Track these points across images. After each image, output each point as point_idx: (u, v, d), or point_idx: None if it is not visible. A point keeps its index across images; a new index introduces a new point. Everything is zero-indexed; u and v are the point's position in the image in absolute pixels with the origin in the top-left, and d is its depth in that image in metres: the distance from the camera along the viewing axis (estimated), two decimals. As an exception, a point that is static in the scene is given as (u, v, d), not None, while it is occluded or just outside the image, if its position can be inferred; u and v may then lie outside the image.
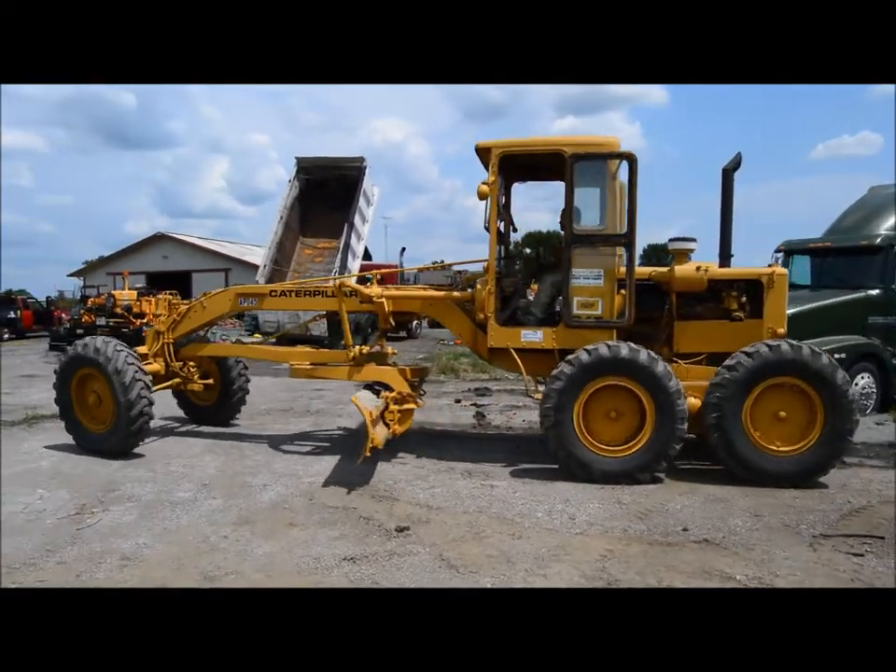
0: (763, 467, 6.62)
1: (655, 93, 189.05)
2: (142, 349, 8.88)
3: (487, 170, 7.47)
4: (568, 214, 7.17)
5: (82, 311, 24.68)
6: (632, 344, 6.76)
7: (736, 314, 7.48)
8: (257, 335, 22.40)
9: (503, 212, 8.47)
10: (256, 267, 19.18)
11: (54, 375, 8.36)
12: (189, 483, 6.87)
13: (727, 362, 6.72)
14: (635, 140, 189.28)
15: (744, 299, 7.53)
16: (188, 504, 6.22)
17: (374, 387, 8.11)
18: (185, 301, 9.13)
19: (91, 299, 26.30)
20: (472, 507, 6.11)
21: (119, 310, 22.37)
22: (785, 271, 7.54)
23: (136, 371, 7.87)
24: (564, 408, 6.77)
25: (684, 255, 7.59)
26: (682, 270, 7.45)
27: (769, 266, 7.74)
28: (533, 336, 7.46)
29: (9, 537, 5.39)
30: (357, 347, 8.17)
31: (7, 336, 28.86)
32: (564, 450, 6.82)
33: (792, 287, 11.98)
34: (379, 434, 6.77)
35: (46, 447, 8.39)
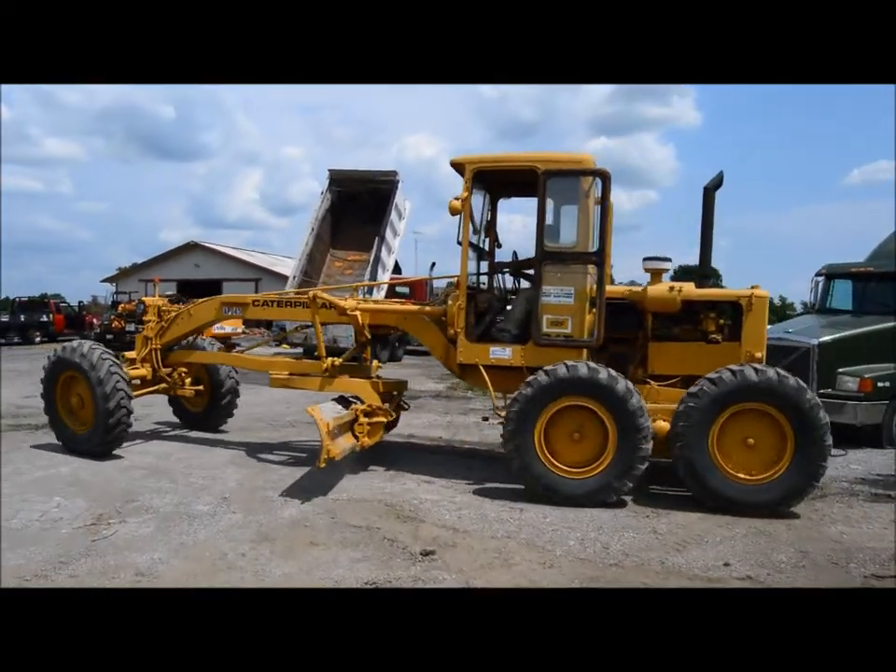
0: (731, 496, 6.41)
1: (689, 115, 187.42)
2: (130, 354, 9.14)
3: None
4: (539, 230, 7.06)
5: (112, 316, 24.85)
6: (592, 364, 6.61)
7: (713, 336, 7.33)
8: (285, 346, 22.31)
9: (488, 228, 8.39)
10: (286, 278, 19.15)
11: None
12: (208, 496, 6.69)
13: (691, 389, 6.55)
14: (669, 162, 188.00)
15: (722, 321, 7.39)
16: (206, 518, 6.04)
17: (349, 399, 8.10)
18: (174, 308, 9.26)
19: (122, 305, 26.50)
20: (501, 531, 5.85)
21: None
22: (765, 293, 7.27)
23: (118, 381, 8.06)
24: (524, 430, 6.64)
25: (659, 275, 7.45)
26: (654, 290, 7.31)
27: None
28: (502, 353, 7.33)
29: (23, 546, 5.24)
30: (330, 359, 8.15)
31: (38, 339, 29.18)
32: (527, 472, 6.68)
33: (833, 311, 11.78)
34: (337, 446, 6.86)
35: (66, 453, 8.27)
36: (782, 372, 6.36)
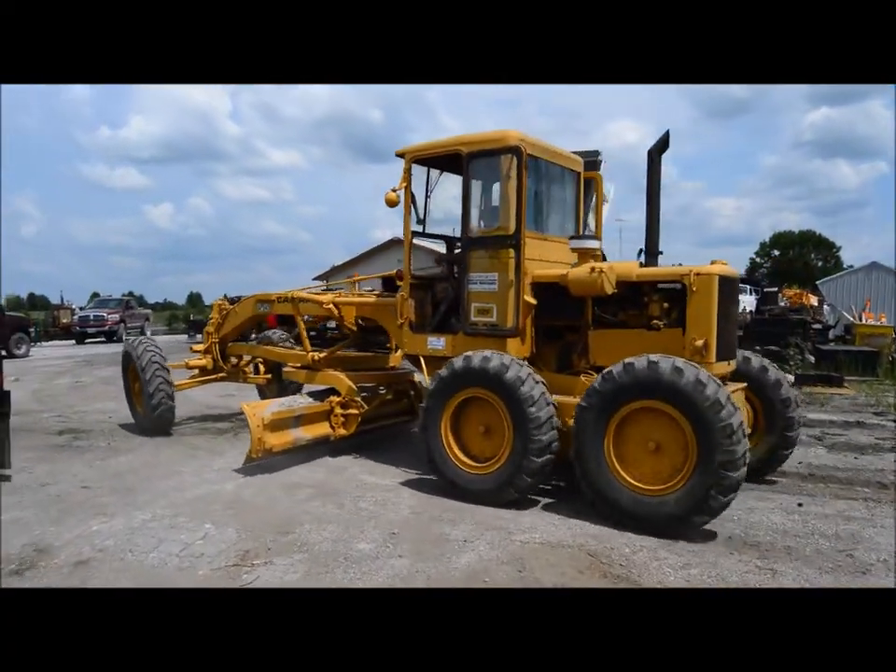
0: (631, 510, 5.54)
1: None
2: (198, 346, 10.40)
3: None
4: (464, 215, 6.95)
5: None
6: (489, 352, 6.35)
7: (655, 322, 6.42)
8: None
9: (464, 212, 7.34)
10: None
11: None
12: (375, 530, 5.59)
13: (588, 389, 5.85)
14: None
15: (666, 305, 6.41)
16: (367, 562, 4.92)
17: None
18: (227, 307, 10.16)
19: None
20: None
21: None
22: (714, 269, 6.04)
23: (157, 369, 9.28)
24: (432, 423, 6.62)
25: (587, 255, 6.78)
26: (574, 272, 6.57)
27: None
28: (437, 343, 7.30)
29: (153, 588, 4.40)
30: (312, 353, 8.70)
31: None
32: (435, 466, 6.65)
33: None
34: (276, 437, 7.42)
35: (237, 469, 7.60)
36: (681, 364, 5.34)
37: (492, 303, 6.82)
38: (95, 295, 39.04)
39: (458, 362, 6.44)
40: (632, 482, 5.58)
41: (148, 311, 40.78)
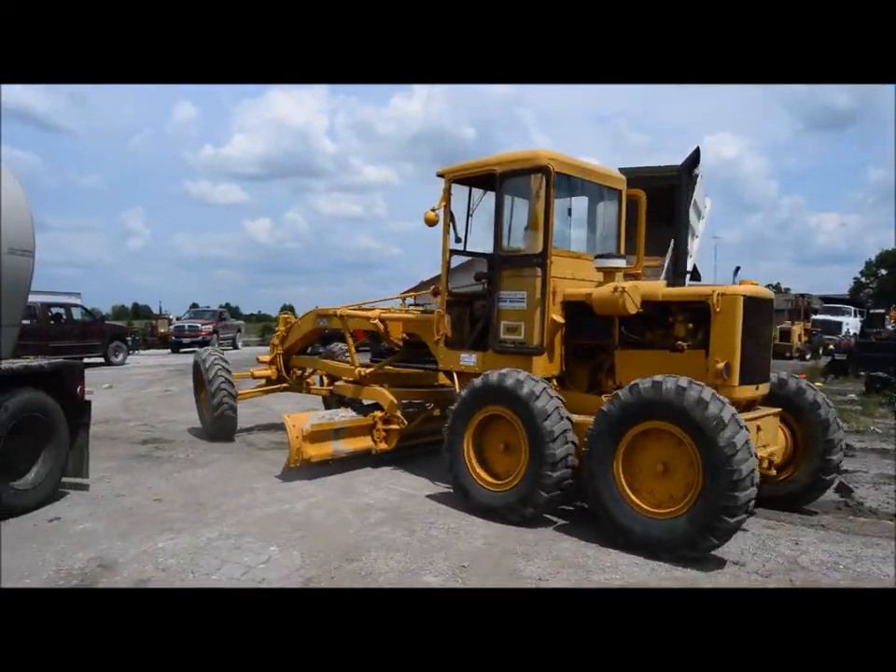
0: (640, 533, 5.40)
1: None
2: (264, 358, 10.82)
3: None
4: (497, 234, 7.06)
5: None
6: (507, 370, 6.36)
7: (679, 343, 6.28)
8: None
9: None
10: None
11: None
12: (444, 561, 5.27)
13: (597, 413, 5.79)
14: None
15: (691, 325, 6.27)
16: (433, 597, 4.60)
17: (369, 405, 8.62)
18: (293, 320, 10.50)
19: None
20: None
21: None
22: (739, 290, 5.91)
23: (222, 379, 9.69)
24: (456, 441, 6.65)
25: (612, 274, 6.72)
26: (598, 291, 6.50)
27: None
28: (469, 360, 7.32)
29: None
30: (359, 368, 8.80)
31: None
32: (453, 475, 6.69)
33: None
34: (315, 448, 7.67)
35: (316, 485, 7.42)
36: (685, 383, 5.24)
37: (520, 321, 6.84)
38: (194, 305, 40.30)
39: (478, 381, 6.52)
40: (642, 505, 5.48)
41: (241, 322, 41.80)
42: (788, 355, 27.47)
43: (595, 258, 6.88)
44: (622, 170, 14.99)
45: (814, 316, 33.30)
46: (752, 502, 5.09)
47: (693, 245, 15.64)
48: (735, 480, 4.94)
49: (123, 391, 16.15)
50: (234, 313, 58.49)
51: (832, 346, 23.31)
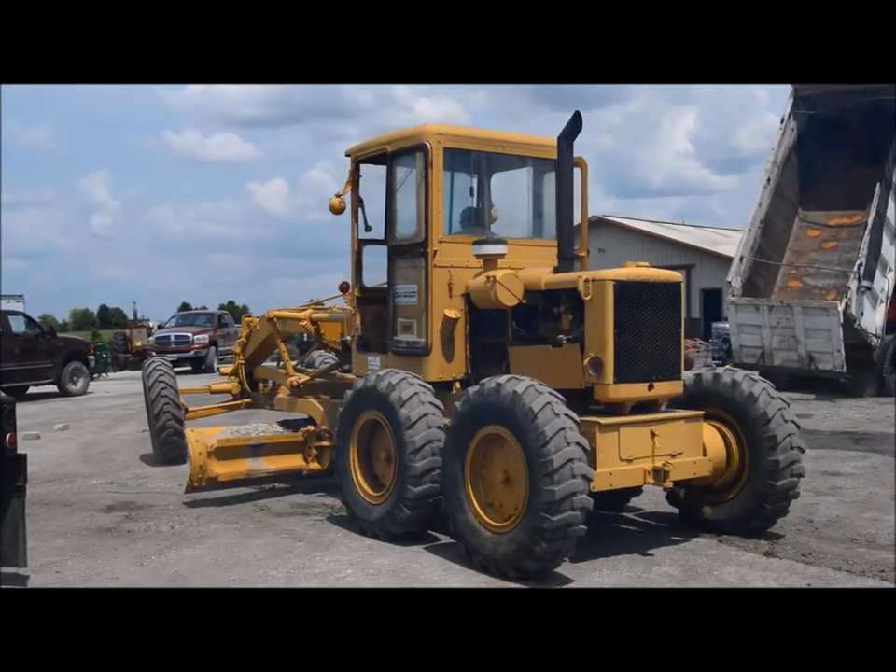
0: (478, 549, 5.01)
1: None
2: (225, 369, 9.75)
3: None
4: (389, 220, 6.58)
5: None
6: (390, 371, 5.83)
7: (560, 336, 5.70)
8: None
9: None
10: (730, 260, 13.94)
11: None
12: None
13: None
14: None
15: (570, 317, 5.70)
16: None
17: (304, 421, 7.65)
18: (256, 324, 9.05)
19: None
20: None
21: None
22: (609, 274, 5.33)
23: (165, 399, 8.58)
24: (343, 448, 6.15)
25: (494, 263, 6.03)
26: (473, 283, 6.08)
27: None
28: (374, 363, 6.68)
29: None
30: (294, 378, 7.80)
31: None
32: (341, 491, 6.23)
33: None
34: (210, 469, 6.83)
35: (352, 571, 5.36)
36: (504, 380, 4.87)
37: (413, 318, 6.32)
38: (185, 307, 32.41)
39: (360, 382, 6.08)
40: (484, 517, 5.07)
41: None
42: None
43: (472, 244, 6.14)
44: (801, 87, 11.25)
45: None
46: (578, 498, 4.56)
47: None
48: (550, 471, 4.50)
49: (83, 433, 12.39)
50: (241, 315, 53.13)
51: None
